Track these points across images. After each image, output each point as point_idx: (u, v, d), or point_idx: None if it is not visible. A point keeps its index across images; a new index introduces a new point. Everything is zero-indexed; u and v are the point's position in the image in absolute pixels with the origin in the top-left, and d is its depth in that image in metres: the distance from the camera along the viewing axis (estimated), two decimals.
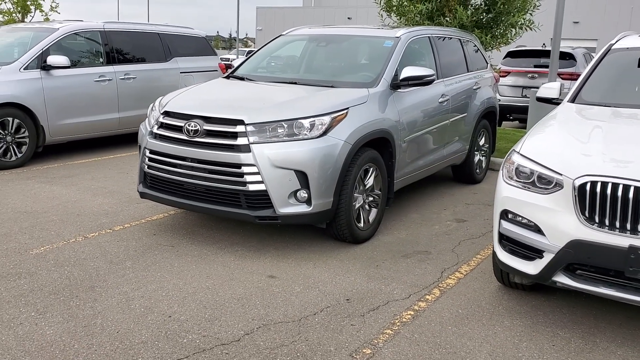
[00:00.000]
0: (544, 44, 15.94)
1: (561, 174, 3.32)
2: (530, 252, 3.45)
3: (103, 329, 3.41)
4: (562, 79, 11.01)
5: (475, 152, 7.26)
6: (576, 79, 11.44)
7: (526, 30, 9.10)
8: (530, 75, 11.99)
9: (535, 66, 12.13)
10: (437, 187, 7.06)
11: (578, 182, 3.23)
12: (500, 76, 11.94)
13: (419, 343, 3.36)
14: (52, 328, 3.40)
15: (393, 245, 4.98)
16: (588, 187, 3.19)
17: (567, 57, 11.86)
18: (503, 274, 3.97)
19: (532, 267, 3.43)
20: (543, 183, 3.42)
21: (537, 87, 10.80)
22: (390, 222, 5.57)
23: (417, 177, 6.00)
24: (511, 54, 12.67)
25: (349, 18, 53.34)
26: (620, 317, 3.73)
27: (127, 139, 9.30)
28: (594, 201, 3.18)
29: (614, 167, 3.20)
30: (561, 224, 3.28)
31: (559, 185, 3.33)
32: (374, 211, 5.12)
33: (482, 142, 7.44)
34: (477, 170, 7.38)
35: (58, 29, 8.03)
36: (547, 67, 11.53)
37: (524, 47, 13.14)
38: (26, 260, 4.39)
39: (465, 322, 3.63)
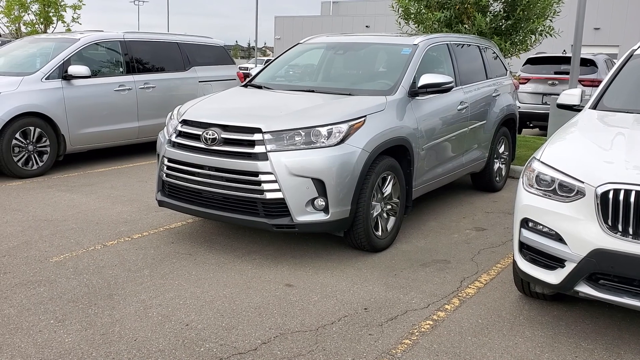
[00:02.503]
0: (564, 51, 15.78)
1: (583, 182, 3.26)
2: (552, 261, 3.39)
3: (121, 337, 3.41)
4: (583, 85, 10.88)
5: (495, 160, 7.18)
6: (597, 86, 11.34)
7: (546, 36, 9.01)
8: (550, 82, 11.87)
9: (556, 73, 12.01)
10: (456, 195, 7.00)
11: (600, 190, 3.16)
12: (520, 83, 11.83)
13: (438, 353, 3.31)
14: (70, 336, 3.41)
15: (412, 254, 4.93)
16: (611, 195, 3.12)
17: (588, 63, 11.73)
18: (524, 283, 3.91)
19: (553, 277, 3.37)
20: (564, 191, 3.36)
21: (558, 94, 10.73)
22: (408, 230, 5.53)
23: (436, 185, 5.95)
24: (531, 61, 12.56)
25: (367, 26, 53.39)
26: None
27: (146, 148, 9.37)
28: (617, 209, 3.11)
29: (638, 174, 3.13)
30: (583, 232, 3.22)
31: (580, 193, 3.27)
32: (392, 219, 5.08)
33: (501, 149, 7.37)
34: (497, 178, 7.30)
35: (79, 39, 8.14)
36: (567, 73, 11.40)
37: (544, 53, 13.02)
38: (46, 268, 4.42)
39: (485, 332, 3.57)
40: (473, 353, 3.32)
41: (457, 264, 4.73)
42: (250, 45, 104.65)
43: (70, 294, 3.99)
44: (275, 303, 3.91)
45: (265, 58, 54.93)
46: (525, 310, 3.90)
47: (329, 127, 4.48)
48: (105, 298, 3.93)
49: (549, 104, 11.04)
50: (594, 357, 3.32)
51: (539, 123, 12.11)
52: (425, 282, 4.33)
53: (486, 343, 3.44)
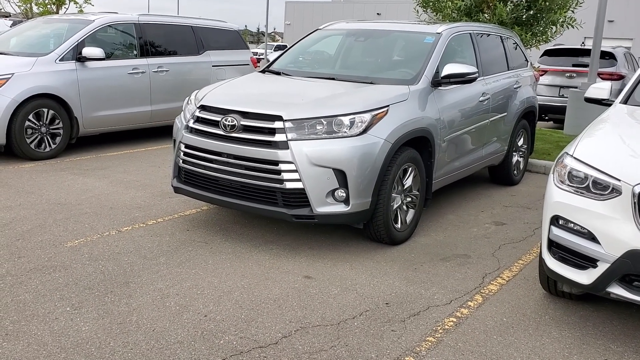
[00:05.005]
0: (583, 43, 15.56)
1: (619, 180, 3.15)
2: (583, 261, 3.29)
3: (138, 327, 3.34)
4: (602, 78, 10.69)
5: (514, 153, 7.06)
6: (617, 79, 11.19)
7: (567, 28, 8.83)
8: (568, 74, 11.69)
9: (574, 65, 11.82)
10: (473, 188, 6.88)
11: (638, 189, 3.05)
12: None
13: (464, 352, 3.22)
14: (87, 324, 3.35)
15: (431, 248, 4.84)
16: None
17: (607, 56, 11.52)
18: (550, 282, 3.81)
19: (585, 277, 3.27)
20: (598, 189, 3.25)
21: (576, 87, 10.61)
22: (427, 223, 5.43)
23: (456, 178, 5.84)
24: (548, 53, 12.36)
25: (378, 14, 53.00)
26: None
27: (158, 132, 9.30)
28: None
29: None
30: (618, 232, 3.11)
31: (616, 192, 3.16)
32: (411, 212, 4.98)
33: (520, 142, 7.24)
34: (515, 172, 7.18)
35: (93, 20, 8.02)
36: (585, 66, 11.23)
37: (562, 45, 12.81)
38: (61, 253, 4.35)
39: (511, 332, 3.48)
40: (500, 353, 3.24)
41: (478, 259, 4.63)
42: (260, 31, 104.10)
43: (86, 280, 3.92)
44: (295, 295, 3.82)
45: (275, 44, 54.61)
46: (550, 309, 3.80)
47: (352, 116, 4.37)
48: (121, 286, 3.86)
49: (566, 97, 10.89)
50: None
51: (555, 116, 11.95)
52: (446, 277, 4.24)
53: (512, 343, 3.35)
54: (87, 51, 7.58)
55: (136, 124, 8.56)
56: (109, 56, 8.00)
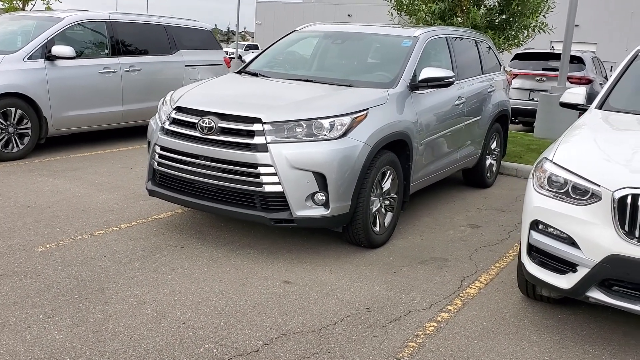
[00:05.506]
0: (552, 47, 15.82)
1: (599, 185, 3.18)
2: (563, 266, 3.31)
3: (115, 335, 3.25)
4: (571, 82, 10.89)
5: (487, 156, 7.12)
6: (586, 83, 11.41)
7: (539, 32, 8.96)
8: (538, 78, 11.87)
9: (543, 69, 12.01)
10: (448, 191, 6.92)
11: (618, 195, 3.09)
12: None
13: (446, 358, 3.22)
14: (61, 332, 3.24)
15: (409, 251, 4.84)
16: (629, 199, 3.05)
17: (575, 60, 11.74)
18: (528, 285, 3.84)
19: (564, 281, 3.29)
20: (578, 194, 3.28)
21: (546, 91, 10.76)
22: (403, 226, 5.43)
23: (432, 181, 5.87)
24: (519, 57, 12.55)
25: (349, 15, 53.13)
26: None
27: (130, 133, 9.13)
28: (635, 215, 3.04)
29: None
30: (598, 237, 3.14)
31: (596, 197, 3.19)
32: (389, 215, 4.97)
33: (493, 145, 7.31)
34: (488, 175, 7.25)
35: (63, 18, 7.83)
36: (555, 70, 11.43)
37: (532, 49, 13.00)
38: (32, 258, 4.22)
39: (491, 336, 3.49)
40: (481, 358, 3.24)
41: (456, 263, 4.65)
42: (230, 30, 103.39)
43: (59, 286, 3.80)
44: (275, 301, 3.77)
45: (246, 43, 54.28)
46: (529, 313, 3.83)
47: (332, 119, 4.35)
48: (96, 292, 3.76)
49: (536, 100, 11.06)
50: None
51: (525, 119, 12.12)
52: (425, 281, 4.24)
53: (493, 347, 3.36)
54: (57, 49, 7.39)
55: (107, 124, 8.39)
56: (79, 55, 7.82)
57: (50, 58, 7.40)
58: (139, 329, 3.33)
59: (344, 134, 4.34)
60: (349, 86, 5.06)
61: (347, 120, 4.38)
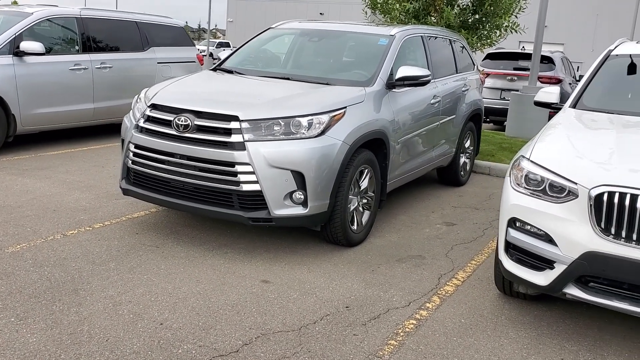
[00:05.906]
0: (523, 47, 16.04)
1: (576, 183, 3.22)
2: (540, 263, 3.35)
3: (91, 337, 3.18)
4: (541, 82, 11.05)
5: (461, 155, 7.19)
6: (555, 83, 11.59)
7: (511, 32, 9.07)
8: (509, 77, 12.02)
9: (514, 69, 12.17)
10: (423, 189, 6.96)
11: (594, 192, 3.13)
12: None
13: (426, 355, 3.23)
14: (35, 335, 3.16)
15: (386, 249, 4.85)
16: (605, 197, 3.10)
17: (545, 60, 11.92)
18: (505, 282, 3.88)
19: (542, 278, 3.33)
20: (555, 191, 3.32)
21: (517, 90, 10.91)
22: (380, 224, 5.44)
23: (408, 179, 5.89)
24: (490, 56, 12.69)
25: (321, 13, 53.11)
26: (623, 329, 3.67)
27: (101, 130, 8.97)
28: (611, 212, 3.09)
29: (633, 177, 3.11)
30: (575, 234, 3.19)
31: (572, 194, 3.24)
32: (366, 213, 4.97)
33: (467, 144, 7.38)
34: (462, 173, 7.31)
35: (32, 13, 7.64)
36: (525, 69, 11.59)
37: (503, 49, 13.17)
38: (1, 259, 4.11)
39: (470, 333, 3.52)
40: (461, 355, 3.26)
41: (432, 260, 4.67)
42: (201, 27, 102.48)
43: (31, 288, 3.70)
44: (253, 301, 3.74)
45: (217, 40, 53.86)
46: (506, 309, 3.87)
47: (310, 117, 4.32)
48: (70, 293, 3.67)
49: (507, 99, 11.19)
50: (579, 359, 3.31)
51: (496, 118, 12.26)
52: (403, 279, 4.25)
53: (472, 344, 3.39)
54: (26, 45, 7.22)
55: (78, 122, 8.22)
56: (48, 51, 7.65)
57: (19, 54, 7.23)
58: (115, 331, 3.26)
59: (322, 133, 4.33)
60: (327, 84, 5.04)
61: (325, 118, 4.36)
